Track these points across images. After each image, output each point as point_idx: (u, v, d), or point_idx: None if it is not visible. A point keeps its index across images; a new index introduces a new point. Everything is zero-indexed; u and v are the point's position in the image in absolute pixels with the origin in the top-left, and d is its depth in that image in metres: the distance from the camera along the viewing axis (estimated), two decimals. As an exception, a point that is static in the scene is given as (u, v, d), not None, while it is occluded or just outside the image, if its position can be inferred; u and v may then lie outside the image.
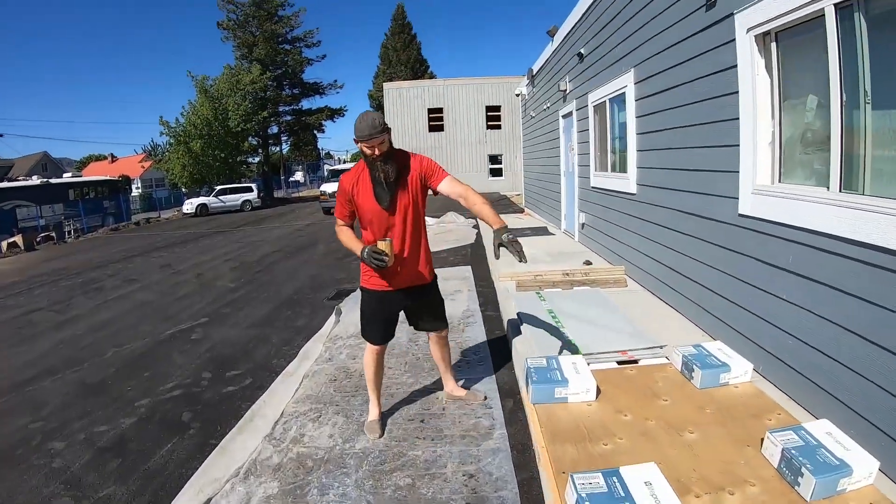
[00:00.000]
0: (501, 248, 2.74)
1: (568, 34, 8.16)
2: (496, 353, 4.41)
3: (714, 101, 3.85)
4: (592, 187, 7.15)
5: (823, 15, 2.72)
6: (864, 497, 2.15)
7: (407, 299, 3.15)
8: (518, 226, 10.70)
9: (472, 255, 8.70)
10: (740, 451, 2.48)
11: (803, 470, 2.18)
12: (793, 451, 2.27)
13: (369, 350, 3.22)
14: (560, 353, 3.79)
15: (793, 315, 3.06)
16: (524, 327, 4.45)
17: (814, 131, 3.10)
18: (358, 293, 3.69)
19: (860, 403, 2.54)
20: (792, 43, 3.17)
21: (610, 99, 6.25)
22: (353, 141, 2.82)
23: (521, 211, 14.39)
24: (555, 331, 4.25)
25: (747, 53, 3.38)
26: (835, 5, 2.65)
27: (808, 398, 2.92)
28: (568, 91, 8.28)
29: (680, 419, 2.76)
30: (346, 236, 3.06)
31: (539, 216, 12.22)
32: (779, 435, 2.38)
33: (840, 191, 2.77)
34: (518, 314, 4.80)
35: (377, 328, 3.17)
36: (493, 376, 3.96)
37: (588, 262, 6.57)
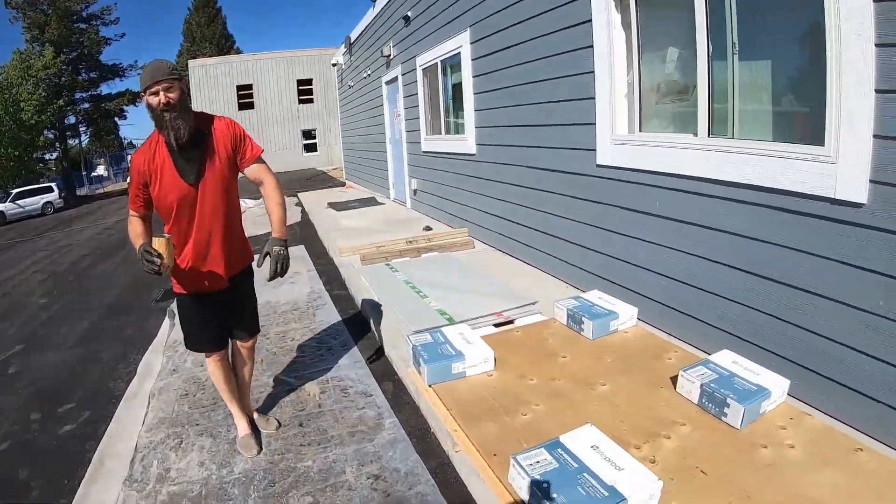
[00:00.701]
0: (266, 259, 2.25)
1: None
2: (357, 333, 3.85)
3: (566, 56, 3.72)
4: (424, 152, 6.84)
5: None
6: (783, 414, 2.16)
7: (228, 295, 2.44)
8: (343, 198, 10.02)
9: (303, 234, 7.85)
10: (656, 394, 2.37)
11: (728, 401, 2.10)
12: (712, 385, 2.19)
13: (209, 361, 2.51)
14: (433, 324, 3.40)
15: (665, 257, 3.07)
16: (384, 302, 3.98)
17: (675, 82, 3.12)
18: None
19: (746, 330, 2.59)
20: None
21: (442, 61, 5.95)
22: (140, 97, 2.19)
23: (343, 184, 13.53)
24: (418, 302, 3.86)
25: (603, 10, 3.29)
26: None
27: (693, 334, 2.92)
28: (392, 56, 7.80)
29: (585, 374, 2.58)
30: (133, 231, 2.21)
31: (364, 187, 11.59)
32: (692, 372, 2.30)
33: (708, 136, 2.79)
34: (374, 289, 4.30)
35: (204, 335, 2.45)
36: (363, 360, 3.42)
37: (428, 228, 6.28)
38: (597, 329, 2.90)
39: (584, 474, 1.75)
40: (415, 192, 7.56)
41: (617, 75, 3.30)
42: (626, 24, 3.26)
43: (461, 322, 3.42)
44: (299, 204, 10.81)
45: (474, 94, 5.19)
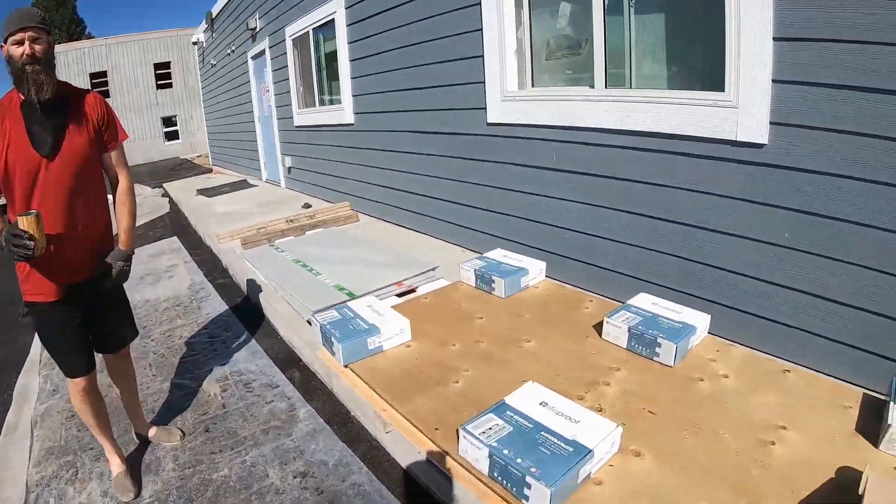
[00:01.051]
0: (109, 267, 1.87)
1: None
2: (249, 322, 3.30)
3: (453, 14, 3.44)
4: (297, 127, 6.19)
5: None
6: (709, 347, 2.12)
7: (92, 299, 1.91)
8: (213, 184, 8.84)
9: (174, 225, 6.78)
10: (583, 343, 2.22)
11: (659, 340, 2.01)
12: (639, 327, 2.09)
13: (74, 388, 1.91)
14: (334, 302, 3.01)
15: (567, 210, 2.96)
16: (276, 285, 3.47)
17: (567, 37, 3.00)
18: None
19: (658, 274, 2.55)
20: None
21: (314, 29, 5.35)
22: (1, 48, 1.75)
23: (210, 171, 11.97)
24: (313, 280, 3.41)
25: None
26: None
27: (604, 284, 2.83)
28: (259, 29, 6.93)
29: (507, 332, 2.37)
30: None
31: (233, 172, 10.38)
32: (617, 317, 2.19)
33: (606, 87, 2.70)
34: (261, 273, 3.76)
35: (73, 353, 1.89)
36: (261, 350, 2.92)
37: (307, 205, 5.70)
38: (509, 287, 2.71)
39: (542, 433, 1.53)
40: (289, 170, 6.87)
41: (507, 31, 3.10)
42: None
43: (363, 295, 3.08)
44: (166, 195, 9.37)
45: (350, 61, 4.74)
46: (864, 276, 1.89)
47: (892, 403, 1.56)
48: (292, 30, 5.83)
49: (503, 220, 3.42)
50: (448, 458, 1.64)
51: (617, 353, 2.12)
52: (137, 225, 6.02)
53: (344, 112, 4.99)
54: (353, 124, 4.95)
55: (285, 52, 6.10)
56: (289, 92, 6.22)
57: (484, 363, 2.13)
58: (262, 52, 6.96)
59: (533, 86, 3.16)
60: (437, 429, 1.74)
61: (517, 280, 2.74)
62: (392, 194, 4.62)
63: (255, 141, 8.15)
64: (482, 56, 3.27)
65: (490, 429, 1.56)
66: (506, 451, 1.46)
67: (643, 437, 1.63)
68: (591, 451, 1.46)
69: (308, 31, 5.48)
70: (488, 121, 3.33)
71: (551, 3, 3.02)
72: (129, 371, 2.17)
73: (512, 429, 1.55)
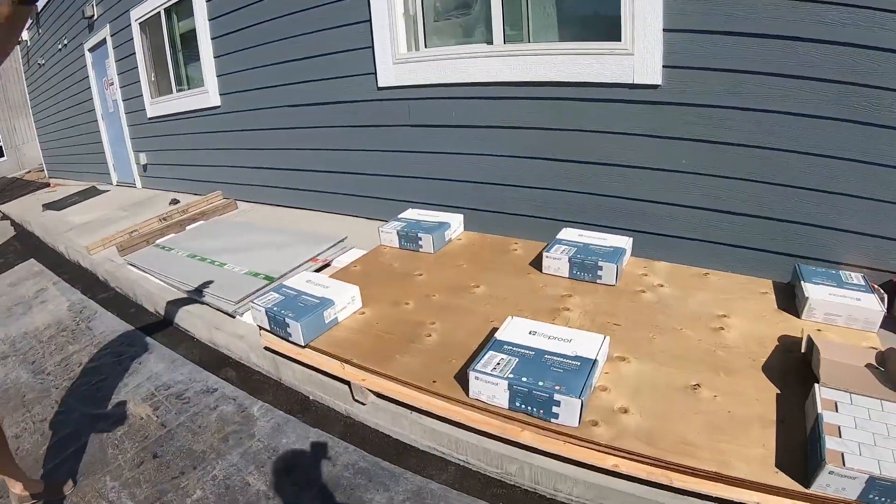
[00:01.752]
0: None
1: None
2: (152, 330, 2.75)
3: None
4: (151, 118, 5.20)
5: None
6: (637, 265, 2.22)
7: None
8: (57, 197, 7.09)
9: (26, 247, 5.37)
10: (529, 280, 2.20)
11: (600, 263, 2.07)
12: (578, 256, 2.12)
13: None
14: (254, 288, 2.63)
15: (473, 164, 2.91)
16: (176, 284, 2.92)
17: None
18: None
19: (570, 212, 2.62)
20: None
21: (166, 8, 4.47)
22: None
23: (48, 185, 9.48)
24: (220, 271, 2.94)
25: None
26: None
27: (520, 229, 2.80)
28: (97, 16, 5.61)
29: (453, 282, 2.25)
30: None
31: (77, 181, 8.52)
32: (553, 251, 2.19)
33: (504, 43, 2.65)
34: (154, 275, 3.15)
35: None
36: (180, 356, 2.46)
37: (175, 201, 4.87)
38: (436, 241, 2.56)
39: (546, 356, 1.47)
40: (144, 167, 5.81)
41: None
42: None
43: (281, 276, 2.75)
44: (6, 218, 7.38)
45: (213, 39, 4.06)
46: (752, 188, 2.13)
47: (802, 283, 1.79)
48: (139, 13, 4.81)
49: (405, 182, 3.23)
50: (459, 406, 1.51)
51: (562, 283, 2.13)
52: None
53: (208, 95, 4.31)
54: (219, 106, 4.30)
55: (131, 39, 5.03)
56: (138, 82, 5.18)
57: (445, 314, 2.00)
58: (103, 42, 5.71)
59: (426, 47, 3.02)
60: (434, 381, 1.59)
61: (442, 235, 2.62)
62: (273, 175, 4.14)
63: (100, 142, 6.77)
64: (369, 21, 3.03)
65: (498, 364, 1.46)
66: (524, 379, 1.38)
67: (620, 344, 1.66)
68: (595, 360, 1.45)
69: (159, 12, 4.55)
70: (379, 85, 3.11)
71: None
72: None
73: (519, 359, 1.47)
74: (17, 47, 9.52)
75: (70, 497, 1.69)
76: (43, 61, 8.24)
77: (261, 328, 2.07)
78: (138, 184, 6.22)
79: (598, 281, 2.08)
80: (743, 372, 1.50)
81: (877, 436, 1.15)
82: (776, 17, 1.91)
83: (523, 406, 1.41)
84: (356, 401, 1.86)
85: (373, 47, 3.07)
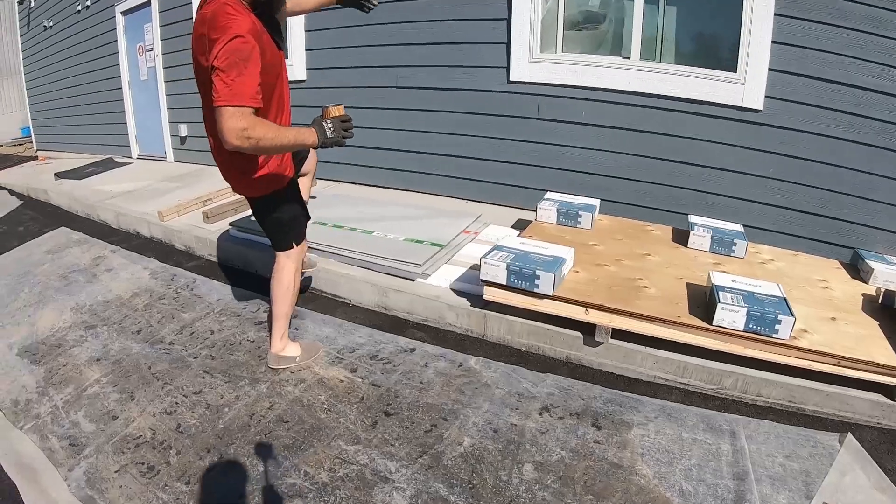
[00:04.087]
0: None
1: None
2: (316, 300, 3.07)
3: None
4: None
5: None
6: (765, 250, 3.17)
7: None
8: (67, 167, 6.59)
9: (46, 216, 5.12)
10: (680, 251, 3.04)
11: (735, 241, 2.98)
12: (717, 234, 3.02)
13: (296, 256, 2.32)
14: (429, 255, 3.08)
15: (593, 158, 3.68)
16: (322, 248, 3.24)
17: (593, 13, 3.67)
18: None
19: (669, 202, 3.54)
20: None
21: None
22: None
23: (35, 158, 8.64)
24: (370, 239, 3.31)
25: None
26: None
27: (631, 214, 3.61)
28: None
29: (627, 252, 2.99)
30: (271, 126, 1.82)
31: (76, 154, 7.88)
32: (698, 229, 3.05)
33: (639, 60, 3.48)
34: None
35: (303, 221, 2.39)
36: (345, 321, 2.80)
37: None
38: (590, 220, 3.29)
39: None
40: (183, 140, 5.74)
41: (538, 1, 3.57)
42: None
43: (447, 245, 3.24)
44: (2, 187, 6.67)
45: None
46: (821, 194, 3.16)
47: (865, 261, 2.85)
48: None
49: (527, 170, 3.90)
50: (699, 334, 2.28)
51: (706, 255, 2.99)
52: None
53: (292, 67, 4.56)
54: (304, 80, 4.57)
55: (189, 3, 4.99)
56: (189, 49, 5.16)
57: (643, 273, 2.70)
58: (145, 5, 5.51)
59: (563, 51, 3.73)
60: (678, 316, 2.33)
61: (592, 214, 3.33)
62: (360, 154, 4.51)
63: (122, 112, 6.44)
64: (507, 19, 3.64)
65: (732, 298, 2.24)
66: (756, 307, 2.17)
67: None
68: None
69: None
70: (511, 79, 3.77)
71: None
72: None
73: (741, 296, 2.25)
74: (19, 7, 8.64)
75: (306, 466, 1.86)
76: (51, 23, 7.67)
77: (487, 283, 2.55)
78: (170, 157, 6.13)
79: (732, 254, 3.01)
80: (856, 313, 2.48)
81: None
82: (845, 68, 2.94)
83: (752, 326, 2.17)
84: (586, 345, 2.47)
85: (508, 43, 3.69)
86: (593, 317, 2.46)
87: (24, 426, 2.18)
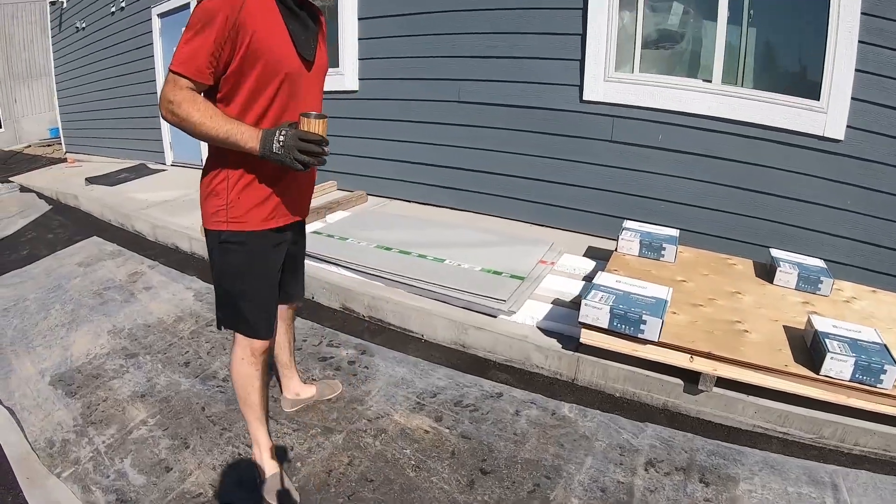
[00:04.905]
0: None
1: None
2: (358, 329, 2.88)
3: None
4: None
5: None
6: (847, 287, 2.95)
7: (294, 245, 1.82)
8: (99, 172, 6.53)
9: (77, 224, 4.99)
10: (769, 289, 2.82)
11: (822, 278, 2.79)
12: (804, 272, 2.81)
13: (253, 351, 1.69)
14: (513, 288, 2.85)
15: (669, 185, 3.48)
16: (387, 276, 3.03)
17: (671, 32, 3.47)
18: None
19: (747, 233, 3.37)
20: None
21: None
22: None
23: (64, 160, 8.71)
24: (447, 269, 3.07)
25: None
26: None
27: (709, 245, 3.39)
28: None
29: (716, 289, 2.78)
30: (206, 111, 1.41)
31: (106, 158, 7.95)
32: (784, 267, 2.85)
33: (721, 83, 3.29)
34: (346, 266, 3.21)
35: (270, 303, 1.71)
36: (421, 360, 2.59)
37: None
38: (674, 253, 3.07)
39: (860, 342, 2.16)
40: None
41: (613, 16, 3.40)
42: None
43: (526, 278, 2.96)
44: (27, 189, 6.58)
45: (360, 19, 4.21)
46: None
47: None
48: None
49: (599, 195, 3.70)
50: (806, 384, 2.11)
51: (794, 292, 2.79)
52: (20, 228, 4.44)
53: (343, 77, 4.41)
54: (356, 91, 4.41)
55: None
56: None
57: (740, 314, 2.51)
58: (184, 7, 5.44)
59: (640, 72, 3.55)
60: (786, 364, 2.15)
61: (675, 246, 3.10)
62: (414, 170, 4.34)
63: (157, 117, 6.34)
64: (581, 35, 3.47)
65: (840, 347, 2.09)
66: (863, 357, 2.03)
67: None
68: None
69: None
70: (584, 98, 3.58)
71: (663, 0, 3.45)
72: (292, 327, 2.11)
73: (848, 344, 2.10)
74: (52, 8, 8.78)
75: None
76: (84, 24, 7.66)
77: (584, 326, 2.37)
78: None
79: (818, 292, 2.80)
80: None
81: None
82: None
83: (858, 376, 2.04)
84: (686, 392, 2.30)
85: (582, 60, 3.52)
86: (698, 364, 2.28)
87: (61, 473, 1.94)
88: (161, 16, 6.22)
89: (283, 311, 1.96)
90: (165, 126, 6.71)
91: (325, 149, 1.44)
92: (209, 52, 1.36)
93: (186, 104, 1.38)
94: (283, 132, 1.41)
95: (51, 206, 5.79)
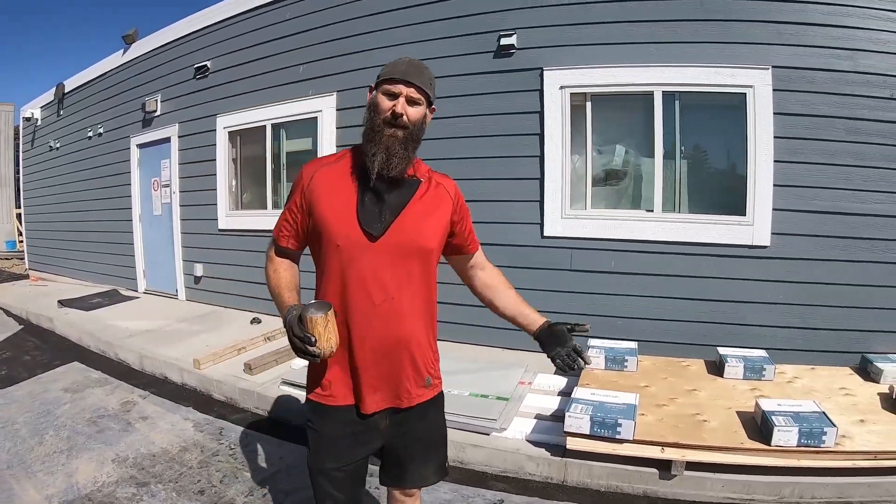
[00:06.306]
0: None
1: (173, 42, 5.98)
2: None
3: (510, 138, 4.32)
4: (223, 230, 5.58)
5: (652, 94, 3.97)
6: (790, 369, 3.52)
7: (391, 430, 1.60)
8: (69, 294, 6.65)
9: (52, 348, 5.11)
10: (719, 383, 3.30)
11: (765, 366, 3.41)
12: (749, 363, 3.39)
13: None
14: (499, 410, 3.23)
15: (624, 303, 4.11)
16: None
17: (614, 171, 4.31)
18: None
19: (699, 336, 3.95)
20: (608, 105, 4.21)
21: (274, 124, 5.19)
22: (369, 90, 1.53)
23: (26, 276, 8.88)
24: (453, 398, 3.17)
25: (557, 105, 4.16)
26: (663, 92, 3.96)
27: (664, 351, 3.95)
28: (160, 112, 5.96)
29: (676, 389, 3.30)
30: (278, 279, 1.55)
31: (72, 279, 8.01)
32: (731, 362, 3.43)
33: (661, 211, 4.09)
34: None
35: (334, 492, 1.60)
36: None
37: (257, 320, 5.17)
38: (635, 363, 3.63)
39: (802, 413, 2.71)
40: (197, 279, 5.97)
41: (566, 161, 4.20)
42: (579, 120, 4.23)
43: (511, 398, 3.37)
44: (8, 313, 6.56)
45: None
46: (826, 311, 3.74)
47: (875, 363, 3.38)
48: (231, 121, 5.47)
49: (564, 318, 4.24)
50: (763, 455, 2.58)
51: (741, 382, 3.38)
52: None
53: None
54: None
55: (213, 145, 5.58)
56: (212, 190, 5.62)
57: (699, 408, 3.04)
58: (164, 141, 6.06)
59: (591, 207, 4.30)
60: (742, 442, 2.67)
61: (636, 357, 3.67)
62: None
63: (132, 244, 6.71)
64: (540, 179, 4.23)
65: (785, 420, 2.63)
66: (804, 425, 2.58)
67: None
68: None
69: (265, 125, 5.29)
70: (545, 234, 4.28)
71: (607, 144, 4.32)
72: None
73: (792, 416, 2.65)
74: (24, 123, 9.11)
75: None
76: (57, 145, 8.06)
77: (569, 434, 2.81)
78: (182, 295, 6.28)
79: (763, 378, 3.40)
80: (878, 412, 2.94)
81: None
82: (834, 199, 3.66)
83: (804, 441, 2.57)
84: (661, 479, 2.72)
85: (541, 201, 4.26)
86: (669, 453, 2.75)
87: None
88: (140, 146, 6.59)
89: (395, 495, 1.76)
90: (139, 252, 6.89)
91: (313, 346, 1.32)
92: (286, 219, 1.55)
93: (267, 262, 1.62)
94: (288, 318, 1.38)
95: (22, 326, 5.88)
